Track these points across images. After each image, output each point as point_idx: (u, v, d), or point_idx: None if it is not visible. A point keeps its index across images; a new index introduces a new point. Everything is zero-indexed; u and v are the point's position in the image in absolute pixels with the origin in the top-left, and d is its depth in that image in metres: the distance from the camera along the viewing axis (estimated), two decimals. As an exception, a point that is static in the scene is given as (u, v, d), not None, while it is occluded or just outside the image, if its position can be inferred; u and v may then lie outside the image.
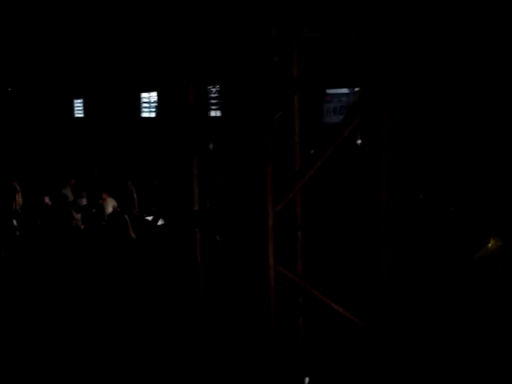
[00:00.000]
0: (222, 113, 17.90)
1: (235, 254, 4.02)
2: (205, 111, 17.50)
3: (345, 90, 17.38)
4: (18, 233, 10.61)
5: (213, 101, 18.40)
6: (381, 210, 3.52)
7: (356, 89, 16.67)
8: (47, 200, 11.60)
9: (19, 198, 12.16)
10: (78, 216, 11.56)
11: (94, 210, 12.07)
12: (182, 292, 6.42)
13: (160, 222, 11.26)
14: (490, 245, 7.62)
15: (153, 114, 21.85)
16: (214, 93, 18.12)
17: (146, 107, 22.05)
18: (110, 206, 11.84)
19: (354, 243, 7.90)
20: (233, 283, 5.40)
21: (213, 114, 18.55)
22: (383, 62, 3.45)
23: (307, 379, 4.48)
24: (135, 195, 12.48)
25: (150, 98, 21.81)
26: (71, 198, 12.59)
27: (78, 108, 24.98)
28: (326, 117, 17.59)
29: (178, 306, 6.71)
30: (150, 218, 11.51)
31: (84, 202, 12.90)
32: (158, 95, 21.34)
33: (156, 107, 21.64)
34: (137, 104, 22.08)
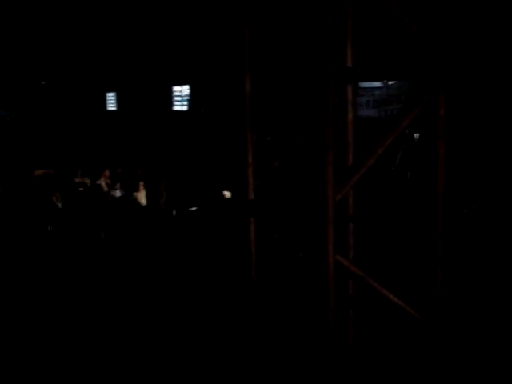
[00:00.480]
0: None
1: (290, 243, 4.01)
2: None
3: (377, 84, 17.29)
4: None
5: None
6: (438, 199, 3.46)
7: (390, 82, 16.52)
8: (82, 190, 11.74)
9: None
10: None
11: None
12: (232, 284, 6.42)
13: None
14: None
15: (184, 108, 21.96)
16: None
17: (177, 100, 22.16)
18: (144, 197, 11.97)
19: (408, 233, 7.75)
20: (285, 272, 5.40)
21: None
22: (441, 50, 3.41)
23: None
24: (163, 186, 12.53)
25: (181, 91, 21.91)
26: (105, 189, 12.73)
27: (111, 101, 25.21)
28: (359, 110, 17.56)
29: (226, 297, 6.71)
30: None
31: (118, 193, 13.03)
32: (191, 88, 21.42)
33: (188, 100, 21.72)
34: (168, 97, 22.20)
